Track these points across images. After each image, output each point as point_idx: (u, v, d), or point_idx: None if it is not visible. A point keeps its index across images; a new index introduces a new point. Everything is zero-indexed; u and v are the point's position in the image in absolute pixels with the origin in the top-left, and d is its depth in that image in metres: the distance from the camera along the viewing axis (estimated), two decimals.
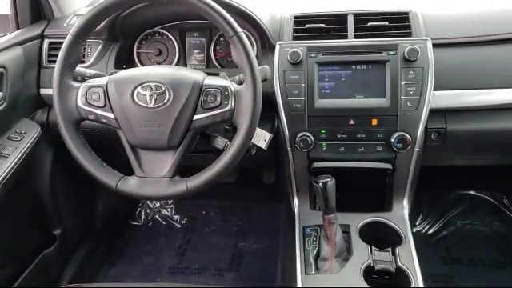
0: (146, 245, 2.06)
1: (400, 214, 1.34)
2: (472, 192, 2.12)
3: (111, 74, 1.12)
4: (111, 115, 1.06)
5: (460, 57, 1.30)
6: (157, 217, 2.22)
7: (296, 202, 1.41)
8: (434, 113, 1.27)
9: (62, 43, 1.07)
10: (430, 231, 2.02)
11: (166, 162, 1.05)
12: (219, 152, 1.06)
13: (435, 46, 1.24)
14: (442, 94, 1.26)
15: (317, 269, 1.18)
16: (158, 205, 2.25)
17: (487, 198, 2.10)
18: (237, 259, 1.95)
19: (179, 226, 2.18)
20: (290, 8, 1.44)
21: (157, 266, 1.93)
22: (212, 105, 1.03)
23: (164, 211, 2.24)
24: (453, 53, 1.30)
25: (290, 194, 1.43)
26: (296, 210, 1.39)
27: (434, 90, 1.22)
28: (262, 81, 1.05)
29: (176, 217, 2.21)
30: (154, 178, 1.05)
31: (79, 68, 1.15)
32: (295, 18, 1.37)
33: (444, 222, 2.04)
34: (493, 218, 2.04)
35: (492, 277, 1.77)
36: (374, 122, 1.24)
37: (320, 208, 1.18)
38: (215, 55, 1.48)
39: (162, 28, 1.50)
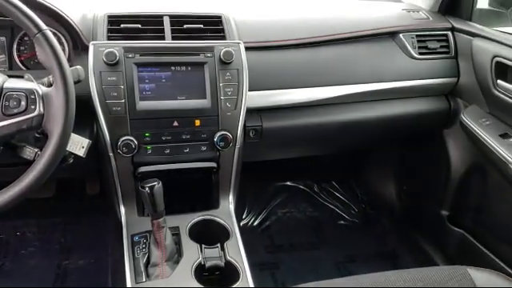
0: None
1: (227, 210, 1.39)
2: (289, 183, 2.34)
3: None
4: None
5: (272, 59, 1.41)
6: None
7: (123, 210, 1.35)
8: (251, 112, 1.35)
9: None
10: (255, 223, 2.16)
11: None
12: (30, 163, 0.95)
13: (248, 49, 1.32)
14: (257, 94, 1.35)
15: (147, 276, 1.15)
16: None
17: (301, 187, 2.34)
18: (61, 279, 1.79)
19: None
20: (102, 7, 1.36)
21: None
22: (16, 110, 0.92)
23: None
24: (265, 55, 1.40)
25: (116, 202, 1.36)
26: (123, 218, 1.33)
27: (250, 90, 1.29)
28: (75, 82, 0.98)
29: None
30: None
31: None
32: (109, 17, 1.31)
33: (267, 213, 2.20)
34: (307, 205, 2.28)
35: (310, 258, 1.97)
36: (197, 122, 1.26)
37: (148, 213, 1.15)
38: (19, 56, 1.31)
39: None
